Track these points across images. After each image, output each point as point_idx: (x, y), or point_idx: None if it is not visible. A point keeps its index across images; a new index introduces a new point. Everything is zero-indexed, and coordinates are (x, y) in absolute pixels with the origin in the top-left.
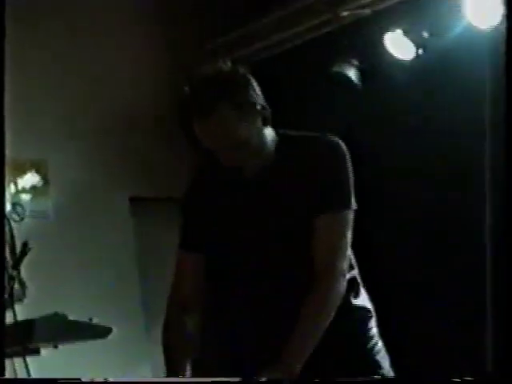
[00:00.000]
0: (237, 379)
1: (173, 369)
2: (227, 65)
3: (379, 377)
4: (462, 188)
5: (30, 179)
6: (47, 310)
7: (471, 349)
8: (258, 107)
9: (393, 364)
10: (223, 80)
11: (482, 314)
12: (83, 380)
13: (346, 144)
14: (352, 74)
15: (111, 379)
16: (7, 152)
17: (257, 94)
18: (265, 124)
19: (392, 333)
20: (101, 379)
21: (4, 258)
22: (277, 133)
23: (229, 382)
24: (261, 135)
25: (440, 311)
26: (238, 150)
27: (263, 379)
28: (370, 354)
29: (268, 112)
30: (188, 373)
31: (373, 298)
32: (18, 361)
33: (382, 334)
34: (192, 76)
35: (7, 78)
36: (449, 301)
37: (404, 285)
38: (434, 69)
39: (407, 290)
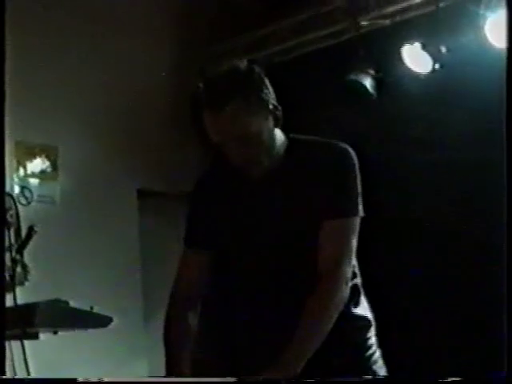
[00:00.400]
0: (233, 379)
1: (173, 362)
2: (243, 62)
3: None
4: (474, 202)
5: (39, 164)
6: (48, 295)
7: (487, 350)
8: (271, 106)
9: (404, 363)
10: (238, 75)
11: (497, 313)
12: (80, 380)
13: (356, 151)
14: (367, 83)
15: (106, 379)
16: (18, 135)
17: (270, 93)
18: (276, 124)
19: (408, 329)
20: (95, 379)
21: (4, 249)
22: (287, 136)
23: (226, 382)
24: (271, 134)
25: (453, 311)
26: (248, 146)
27: (261, 379)
28: (367, 363)
29: (280, 112)
30: (187, 368)
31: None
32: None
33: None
34: (207, 70)
35: (22, 66)
36: (462, 300)
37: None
38: (449, 84)
39: (419, 289)
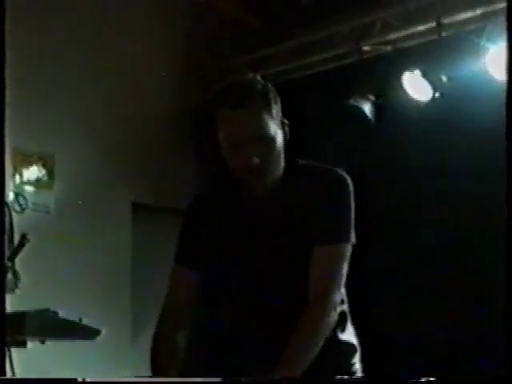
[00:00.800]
0: (218, 379)
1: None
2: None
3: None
4: (473, 232)
5: (35, 172)
6: (38, 304)
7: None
8: (282, 118)
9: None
10: (258, 80)
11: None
12: (80, 380)
13: (354, 174)
14: (366, 108)
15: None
16: (16, 142)
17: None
18: (284, 139)
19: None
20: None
21: (4, 258)
22: (286, 159)
23: (211, 381)
24: (281, 146)
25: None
26: (261, 149)
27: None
28: None
29: (288, 129)
30: None
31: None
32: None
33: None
34: (224, 79)
35: (21, 73)
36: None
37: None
38: (449, 112)
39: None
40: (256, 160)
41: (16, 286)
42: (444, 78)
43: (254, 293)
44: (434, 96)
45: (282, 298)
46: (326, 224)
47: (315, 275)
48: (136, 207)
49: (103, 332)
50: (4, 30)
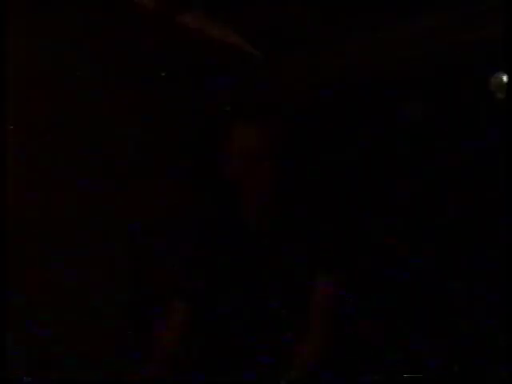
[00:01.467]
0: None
1: None
2: None
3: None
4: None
5: None
6: None
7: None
8: None
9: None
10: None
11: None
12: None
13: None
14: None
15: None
16: None
17: None
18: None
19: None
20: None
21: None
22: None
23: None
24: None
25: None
26: (268, 164)
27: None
28: None
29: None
30: None
31: None
32: None
33: None
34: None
35: None
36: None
37: None
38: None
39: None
40: (260, 176)
41: None
42: (448, 102)
43: (253, 324)
44: (435, 117)
45: (282, 326)
46: (327, 249)
47: (317, 301)
48: None
49: None
50: (4, 30)
